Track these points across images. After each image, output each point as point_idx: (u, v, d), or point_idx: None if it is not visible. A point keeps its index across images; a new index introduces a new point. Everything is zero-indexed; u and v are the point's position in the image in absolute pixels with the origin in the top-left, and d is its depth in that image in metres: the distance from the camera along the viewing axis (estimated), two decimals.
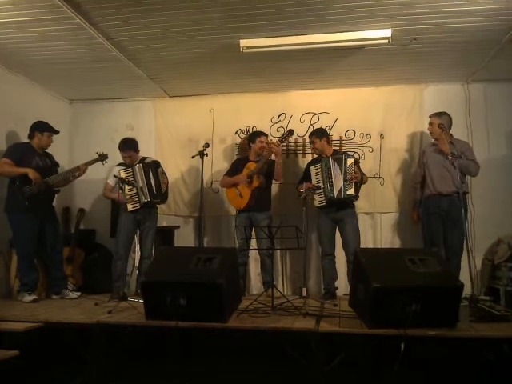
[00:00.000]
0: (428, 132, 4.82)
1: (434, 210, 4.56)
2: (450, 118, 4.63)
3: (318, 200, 4.66)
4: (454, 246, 4.41)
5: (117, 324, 3.45)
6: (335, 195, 4.54)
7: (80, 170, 4.67)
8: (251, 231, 4.79)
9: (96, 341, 3.38)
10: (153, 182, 4.69)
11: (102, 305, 4.11)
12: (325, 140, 4.86)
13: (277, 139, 4.92)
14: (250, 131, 5.60)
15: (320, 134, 4.89)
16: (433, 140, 4.80)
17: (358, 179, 4.58)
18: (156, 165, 4.84)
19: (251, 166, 4.88)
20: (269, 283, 4.51)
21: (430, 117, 4.72)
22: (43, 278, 4.66)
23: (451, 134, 4.59)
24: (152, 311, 3.40)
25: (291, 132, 4.83)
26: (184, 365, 3.41)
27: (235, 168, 5.05)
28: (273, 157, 4.82)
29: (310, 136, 4.95)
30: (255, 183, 4.81)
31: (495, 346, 3.08)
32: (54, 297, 4.65)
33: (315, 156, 5.04)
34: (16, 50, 4.49)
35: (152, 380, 3.50)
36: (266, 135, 5.09)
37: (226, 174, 5.13)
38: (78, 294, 4.72)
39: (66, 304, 4.33)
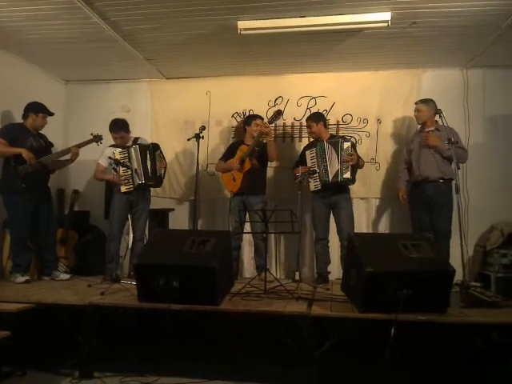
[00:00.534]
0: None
1: (420, 196, 4.58)
2: (436, 106, 4.61)
3: (314, 184, 4.65)
4: (442, 231, 4.43)
5: (109, 306, 3.46)
6: (330, 179, 4.53)
7: (71, 152, 4.64)
8: (245, 215, 4.79)
9: (88, 322, 3.39)
10: (149, 164, 4.64)
11: (94, 286, 4.11)
12: (321, 124, 4.84)
13: (265, 121, 4.86)
14: (247, 114, 5.57)
15: (317, 118, 4.87)
16: (419, 126, 4.80)
17: (355, 162, 4.56)
18: (154, 147, 4.80)
19: (244, 148, 4.86)
20: (262, 267, 4.54)
21: (416, 103, 4.71)
22: (35, 259, 4.66)
23: (437, 121, 4.59)
24: (145, 293, 3.40)
25: (279, 112, 4.77)
26: (176, 347, 3.42)
27: (230, 152, 5.03)
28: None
29: (307, 120, 4.93)
30: (247, 166, 4.78)
31: (485, 332, 3.10)
32: (45, 278, 4.66)
33: (311, 140, 5.02)
34: (10, 29, 4.43)
35: (144, 362, 3.52)
36: (262, 118, 5.04)
37: (221, 159, 5.12)
38: (69, 275, 4.74)
39: (58, 285, 4.34)
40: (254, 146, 4.74)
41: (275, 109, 5.48)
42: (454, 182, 4.10)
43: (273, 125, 4.93)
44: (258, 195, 4.83)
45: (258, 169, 4.86)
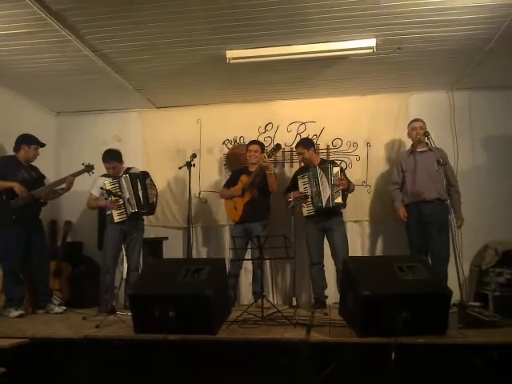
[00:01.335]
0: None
1: (416, 217, 4.57)
2: None
3: (307, 209, 4.67)
4: (441, 253, 4.42)
5: (105, 338, 3.40)
6: (323, 204, 4.55)
7: (67, 181, 4.64)
8: (247, 242, 4.76)
9: (84, 356, 3.33)
10: (140, 193, 4.64)
11: (89, 319, 4.04)
12: (312, 150, 4.89)
13: (264, 154, 4.86)
14: (238, 141, 5.67)
15: (307, 144, 4.90)
16: (407, 147, 4.89)
17: (345, 187, 4.59)
18: (144, 175, 4.81)
19: (244, 179, 4.89)
20: (258, 293, 4.52)
21: (416, 121, 4.72)
22: (29, 292, 4.61)
23: (426, 142, 4.64)
24: (141, 324, 3.36)
25: (278, 146, 4.83)
26: (173, 377, 3.36)
27: (233, 179, 5.09)
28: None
29: (297, 147, 4.94)
30: (246, 197, 4.83)
31: (485, 353, 3.07)
32: (40, 311, 4.60)
33: (303, 165, 5.05)
34: (2, 63, 4.49)
35: None
36: (258, 143, 5.08)
37: (224, 186, 5.18)
38: (64, 308, 4.67)
39: (52, 319, 4.27)
40: (253, 178, 4.80)
41: (266, 135, 5.60)
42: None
43: (272, 158, 4.93)
44: (258, 221, 4.83)
45: (259, 197, 4.87)
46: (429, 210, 4.51)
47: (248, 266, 5.12)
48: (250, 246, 4.76)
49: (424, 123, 4.69)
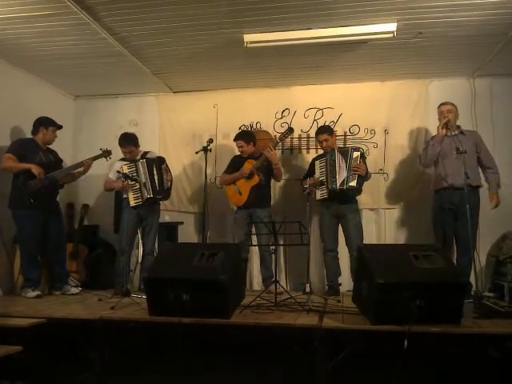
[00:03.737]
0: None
1: (445, 204, 4.35)
2: None
3: (320, 193, 4.62)
4: (468, 243, 4.05)
5: (120, 320, 3.45)
6: (337, 187, 4.48)
7: (84, 164, 4.67)
8: (251, 227, 4.78)
9: (99, 336, 3.39)
10: (156, 178, 4.66)
11: (105, 300, 4.11)
12: (334, 135, 4.86)
13: (270, 144, 4.84)
14: (254, 127, 5.64)
15: (330, 130, 4.84)
16: (434, 130, 4.63)
17: (363, 173, 4.53)
18: (160, 161, 4.83)
19: (252, 161, 4.86)
20: (268, 279, 4.57)
21: (443, 104, 4.49)
22: (46, 273, 4.67)
23: (458, 125, 4.47)
24: (155, 307, 3.40)
25: (291, 130, 4.81)
26: (186, 360, 3.40)
27: (233, 165, 5.04)
28: None
29: (321, 134, 4.76)
30: (254, 181, 4.80)
31: (499, 343, 3.05)
32: (56, 292, 4.66)
33: (319, 152, 5.01)
34: (21, 46, 4.51)
35: (155, 376, 3.50)
36: (241, 138, 4.96)
37: (224, 172, 5.11)
38: (79, 289, 4.73)
39: (69, 300, 4.34)
40: (263, 161, 4.79)
41: (282, 121, 5.56)
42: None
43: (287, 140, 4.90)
44: (264, 208, 4.83)
45: (264, 183, 4.86)
46: (458, 197, 4.23)
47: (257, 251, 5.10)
48: (253, 232, 4.76)
49: (454, 106, 4.46)
